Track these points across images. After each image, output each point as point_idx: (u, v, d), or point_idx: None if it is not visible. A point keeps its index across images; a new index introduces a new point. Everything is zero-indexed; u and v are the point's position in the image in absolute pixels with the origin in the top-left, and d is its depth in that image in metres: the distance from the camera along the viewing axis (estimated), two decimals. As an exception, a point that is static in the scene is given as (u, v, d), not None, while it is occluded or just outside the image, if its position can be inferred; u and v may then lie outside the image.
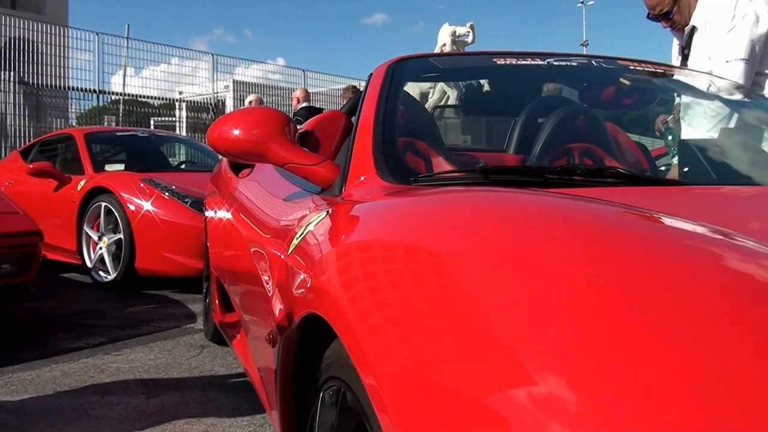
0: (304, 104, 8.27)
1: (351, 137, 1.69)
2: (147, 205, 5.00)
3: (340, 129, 2.02)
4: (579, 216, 0.89)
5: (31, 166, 5.87)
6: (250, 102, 9.12)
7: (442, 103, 5.55)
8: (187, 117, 15.16)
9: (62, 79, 13.06)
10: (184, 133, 13.77)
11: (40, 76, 12.52)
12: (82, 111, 13.79)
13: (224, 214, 2.79)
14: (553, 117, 2.04)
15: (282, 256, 1.43)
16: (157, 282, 5.23)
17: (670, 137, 2.45)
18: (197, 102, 15.49)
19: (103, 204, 5.24)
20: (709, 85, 2.26)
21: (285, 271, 1.35)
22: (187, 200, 5.03)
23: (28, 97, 12.33)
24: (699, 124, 2.17)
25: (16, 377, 2.98)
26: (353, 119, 2.44)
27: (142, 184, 5.13)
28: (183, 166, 7.07)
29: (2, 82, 11.82)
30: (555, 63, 2.09)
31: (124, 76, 13.92)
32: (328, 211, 1.34)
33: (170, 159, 7.41)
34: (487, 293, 0.70)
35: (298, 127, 1.77)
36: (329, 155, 1.72)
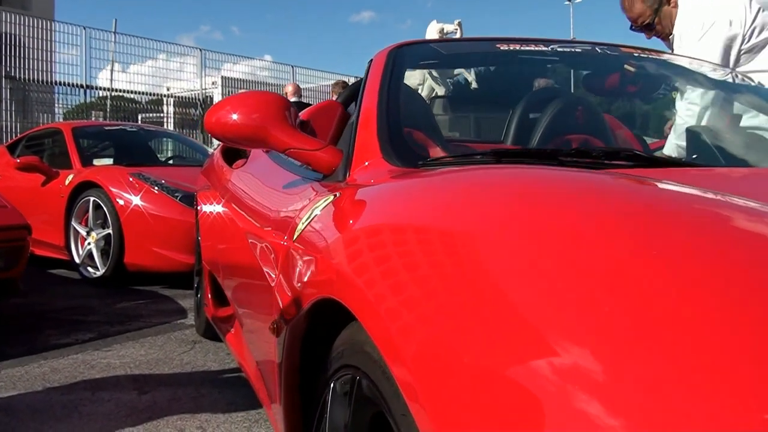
0: (294, 99, 8.21)
1: (353, 123, 1.64)
2: (136, 200, 4.94)
3: (336, 119, 1.98)
4: (592, 187, 0.88)
5: (18, 161, 5.78)
6: (286, 93, 8.95)
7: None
8: (174, 113, 15.06)
9: (49, 74, 12.94)
10: (171, 129, 13.67)
11: (26, 71, 12.40)
12: (69, 106, 13.67)
13: (218, 207, 2.74)
14: (551, 108, 2.01)
15: (285, 243, 1.38)
16: (147, 278, 5.16)
17: None
18: (185, 97, 15.39)
19: (92, 199, 5.17)
20: (713, 71, 2.24)
21: (290, 257, 1.30)
22: (177, 195, 4.97)
23: (15, 92, 12.22)
24: (694, 108, 2.15)
25: (5, 374, 2.92)
26: (349, 109, 2.40)
27: (131, 179, 5.06)
28: (172, 161, 7.01)
29: (-12, 76, 11.72)
30: (559, 49, 2.06)
31: (112, 71, 13.81)
32: (335, 195, 1.30)
33: (159, 154, 7.34)
34: (511, 269, 0.67)
35: None
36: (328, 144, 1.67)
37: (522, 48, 2.04)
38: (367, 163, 1.45)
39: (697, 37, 2.93)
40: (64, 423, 2.37)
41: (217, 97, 15.59)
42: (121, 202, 4.96)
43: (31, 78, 12.51)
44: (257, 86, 15.83)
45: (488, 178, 0.98)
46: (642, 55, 2.09)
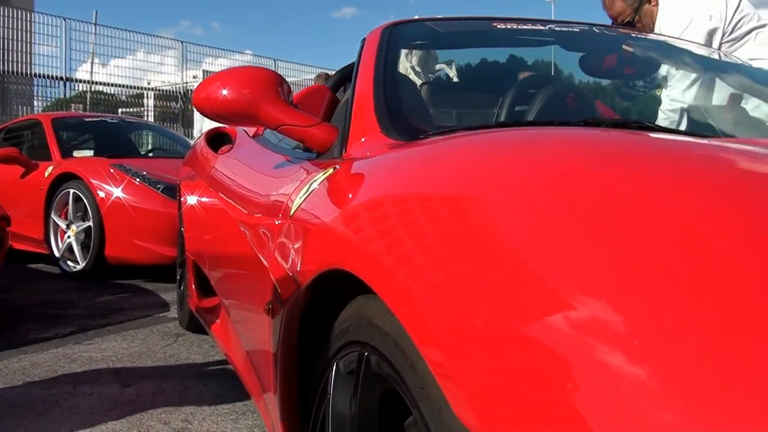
0: None
1: (348, 100, 1.59)
2: (117, 192, 4.84)
3: (325, 102, 1.93)
4: (599, 140, 0.88)
5: (-4, 153, 5.67)
6: (314, 80, 8.76)
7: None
8: (155, 106, 14.93)
9: (28, 65, 12.76)
10: (152, 122, 13.54)
11: (5, 63, 12.22)
12: (49, 99, 13.48)
13: (204, 195, 2.67)
14: (542, 94, 1.97)
15: (280, 221, 1.33)
16: (128, 271, 5.08)
17: None
18: (166, 91, 15.25)
19: (72, 191, 5.07)
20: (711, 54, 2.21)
21: (287, 234, 1.25)
22: (158, 186, 4.89)
23: (-7, 84, 12.05)
24: (682, 87, 2.13)
25: (-17, 368, 2.84)
26: (338, 95, 2.34)
27: (112, 170, 4.97)
28: (153, 153, 6.91)
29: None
30: (556, 29, 2.01)
31: (92, 63, 13.64)
32: (334, 168, 1.24)
33: (140, 146, 7.23)
34: (536, 230, 0.64)
35: None
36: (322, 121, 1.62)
37: (519, 27, 1.99)
38: (363, 139, 1.40)
39: (677, 34, 2.92)
40: (45, 417, 2.31)
41: (198, 91, 15.45)
42: (102, 194, 4.86)
43: (10, 70, 12.34)
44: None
45: (503, 140, 0.94)
46: (641, 37, 2.05)
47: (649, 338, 0.48)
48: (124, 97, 14.85)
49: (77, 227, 5.04)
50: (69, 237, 5.11)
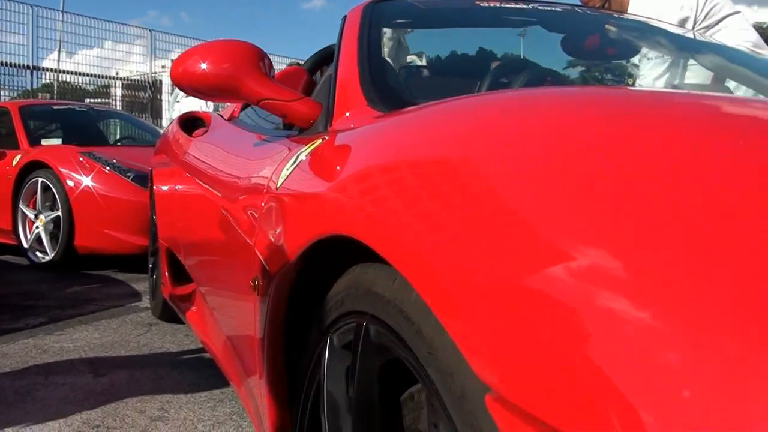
0: None
1: (332, 75, 1.56)
2: (87, 180, 4.75)
3: (302, 84, 1.90)
4: (583, 94, 0.89)
5: (-39, 142, 5.54)
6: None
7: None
8: (123, 96, 14.73)
9: (-6, 54, 12.51)
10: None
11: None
12: (16, 89, 13.22)
13: (179, 179, 2.61)
14: (520, 80, 1.95)
15: (265, 196, 1.29)
16: (98, 261, 5.00)
17: None
18: (134, 80, 15.05)
19: (40, 180, 4.97)
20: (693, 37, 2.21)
21: (273, 207, 1.21)
22: (129, 174, 4.80)
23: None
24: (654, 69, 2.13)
25: (-49, 359, 2.77)
26: (319, 77, 2.30)
27: (81, 158, 4.87)
28: (123, 142, 6.80)
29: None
30: (539, 8, 2.00)
31: (59, 51, 13.41)
32: (323, 139, 1.21)
33: (109, 134, 7.11)
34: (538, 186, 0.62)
35: None
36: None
37: (502, 6, 1.97)
38: (348, 114, 1.37)
39: None
40: (17, 408, 2.25)
41: (166, 80, 15.30)
42: (71, 183, 4.77)
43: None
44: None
45: (504, 98, 0.92)
46: (623, 17, 2.04)
47: (662, 284, 0.47)
48: (92, 87, 14.61)
49: (46, 217, 4.95)
50: (37, 227, 5.01)
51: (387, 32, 1.93)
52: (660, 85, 2.03)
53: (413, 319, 0.71)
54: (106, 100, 14.40)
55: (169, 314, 3.31)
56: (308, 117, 1.46)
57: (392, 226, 0.73)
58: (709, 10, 3.03)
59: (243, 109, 2.63)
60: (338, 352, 0.94)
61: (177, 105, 7.91)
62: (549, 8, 2.04)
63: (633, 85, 2.18)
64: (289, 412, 1.15)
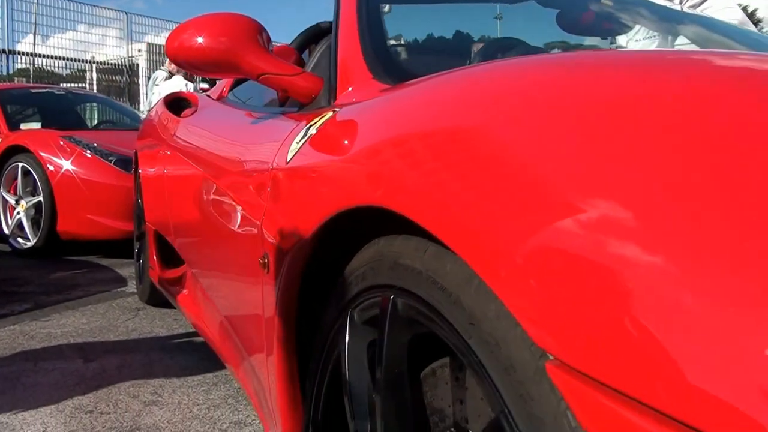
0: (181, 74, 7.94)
1: (332, 48, 1.52)
2: (68, 165, 4.67)
3: (292, 63, 1.86)
4: (588, 57, 0.90)
5: (-63, 127, 5.43)
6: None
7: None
8: (100, 80, 14.54)
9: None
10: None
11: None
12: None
13: (168, 161, 2.57)
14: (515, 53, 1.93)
15: (273, 170, 1.25)
16: (81, 247, 4.94)
17: None
18: (111, 64, 14.85)
19: (20, 164, 4.88)
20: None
21: (283, 183, 1.18)
22: (111, 158, 4.73)
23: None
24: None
25: (-64, 347, 2.72)
26: (307, 56, 2.27)
27: (62, 142, 4.79)
28: (103, 125, 6.70)
29: None
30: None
31: (35, 34, 13.18)
32: (333, 111, 1.18)
33: (88, 118, 7.00)
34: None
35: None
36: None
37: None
38: (351, 88, 1.34)
39: None
40: (7, 396, 2.21)
41: (143, 64, 15.12)
42: (52, 168, 4.69)
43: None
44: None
45: (529, 63, 0.90)
46: None
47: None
48: (65, 72, 14.41)
49: (27, 202, 4.87)
50: (19, 213, 4.93)
51: None
52: None
53: (450, 289, 0.69)
54: (82, 85, 14.19)
55: (157, 299, 3.28)
56: (309, 92, 1.43)
57: (433, 194, 0.70)
58: None
59: (232, 88, 2.59)
60: (359, 328, 0.92)
61: (156, 89, 7.81)
62: None
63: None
64: (300, 387, 1.12)
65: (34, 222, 4.86)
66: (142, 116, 7.03)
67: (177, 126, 2.58)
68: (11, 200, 5.01)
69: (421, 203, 0.72)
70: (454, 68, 0.98)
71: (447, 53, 2.01)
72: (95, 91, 13.79)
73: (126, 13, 14.97)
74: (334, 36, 1.53)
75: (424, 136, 0.79)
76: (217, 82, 7.56)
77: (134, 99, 14.56)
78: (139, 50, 15.29)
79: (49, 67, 13.89)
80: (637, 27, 2.20)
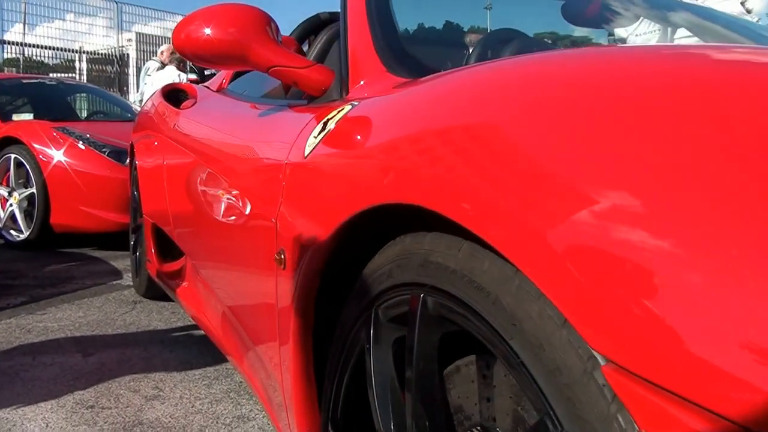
0: (173, 64, 7.89)
1: (341, 40, 1.49)
2: (61, 156, 4.62)
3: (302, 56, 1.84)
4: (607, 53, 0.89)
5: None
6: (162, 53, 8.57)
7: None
8: (90, 69, 14.44)
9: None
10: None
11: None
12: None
13: (168, 153, 2.53)
14: (508, 50, 1.91)
15: (287, 166, 1.23)
16: (74, 240, 4.89)
17: None
18: (100, 54, 14.73)
19: (13, 156, 4.83)
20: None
21: (302, 178, 1.16)
22: (104, 150, 4.68)
23: None
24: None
25: (-68, 341, 2.69)
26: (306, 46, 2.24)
27: (55, 134, 4.74)
28: (96, 116, 6.64)
29: None
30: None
31: (24, 24, 13.07)
32: (351, 105, 1.16)
33: (80, 109, 6.94)
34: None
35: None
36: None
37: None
38: (363, 82, 1.32)
39: None
40: (6, 390, 2.19)
41: (132, 54, 15.01)
42: (45, 159, 4.64)
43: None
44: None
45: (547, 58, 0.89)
46: None
47: None
48: (53, 62, 14.28)
49: (20, 194, 4.82)
50: (11, 205, 4.88)
51: None
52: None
53: (488, 288, 0.68)
54: (72, 75, 14.09)
55: (154, 292, 3.25)
56: (320, 84, 1.41)
57: (474, 192, 0.68)
58: None
59: (232, 79, 2.56)
60: (385, 326, 0.90)
61: (148, 79, 7.76)
62: None
63: None
64: (323, 384, 1.11)
65: (27, 214, 4.81)
66: (133, 107, 6.98)
67: (177, 118, 2.55)
68: (4, 192, 4.96)
69: (461, 202, 0.70)
70: (470, 60, 0.96)
71: (460, 44, 1.99)
72: (85, 81, 13.70)
73: (116, 3, 14.86)
74: (342, 27, 1.51)
75: (462, 130, 0.77)
76: (205, 73, 7.52)
77: (124, 89, 14.47)
78: (129, 40, 15.18)
79: (37, 57, 13.78)
80: (640, 19, 2.19)
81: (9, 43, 13.13)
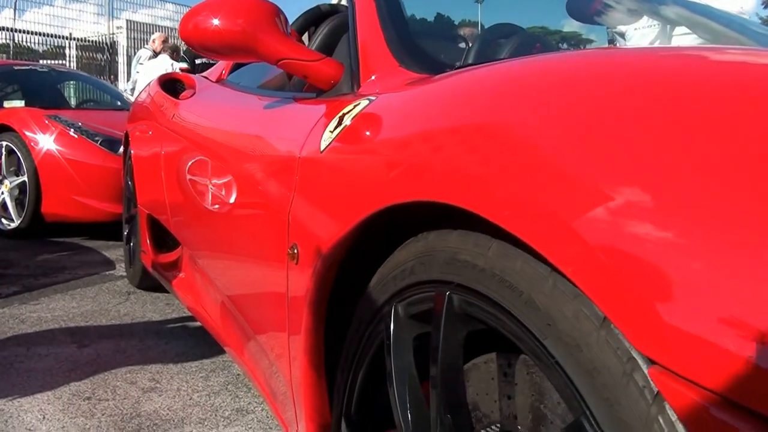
0: (165, 53, 7.85)
1: (351, 33, 1.48)
2: (53, 144, 4.58)
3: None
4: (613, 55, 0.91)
5: None
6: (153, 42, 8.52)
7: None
8: (80, 57, 14.33)
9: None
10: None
11: None
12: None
13: (166, 144, 2.51)
14: (509, 45, 1.91)
15: (300, 161, 1.21)
16: (66, 229, 4.86)
17: None
18: (90, 41, 14.61)
19: (4, 143, 4.78)
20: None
21: (318, 172, 1.14)
22: (97, 139, 4.63)
23: None
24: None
25: (-76, 331, 2.67)
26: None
27: (47, 121, 4.69)
28: (88, 104, 6.58)
29: None
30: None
31: (15, 9, 12.94)
32: (369, 100, 1.14)
33: (72, 97, 6.87)
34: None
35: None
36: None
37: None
38: (374, 76, 1.30)
39: None
40: (1, 381, 2.17)
41: (123, 41, 14.90)
42: (37, 147, 4.60)
43: None
44: (167, 31, 15.14)
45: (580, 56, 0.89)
46: None
47: None
48: (42, 48, 14.16)
49: (11, 183, 4.77)
50: (2, 193, 4.84)
51: None
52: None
53: (520, 288, 0.67)
54: (62, 62, 13.98)
55: (148, 282, 3.23)
56: (330, 78, 1.39)
57: (509, 191, 0.67)
58: None
59: (232, 70, 2.54)
60: (405, 322, 0.89)
61: (141, 68, 7.70)
62: None
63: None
64: (335, 380, 1.10)
65: (19, 202, 4.77)
66: (125, 95, 6.93)
67: (176, 108, 2.52)
68: (-6, 180, 4.91)
69: (497, 201, 0.69)
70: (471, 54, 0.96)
71: (469, 38, 1.97)
72: (75, 68, 13.58)
73: (106, -9, 14.75)
74: (351, 20, 1.49)
75: (491, 128, 0.76)
76: (196, 62, 7.45)
77: (115, 77, 14.36)
78: (119, 27, 15.06)
79: (26, 43, 13.66)
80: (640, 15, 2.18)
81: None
